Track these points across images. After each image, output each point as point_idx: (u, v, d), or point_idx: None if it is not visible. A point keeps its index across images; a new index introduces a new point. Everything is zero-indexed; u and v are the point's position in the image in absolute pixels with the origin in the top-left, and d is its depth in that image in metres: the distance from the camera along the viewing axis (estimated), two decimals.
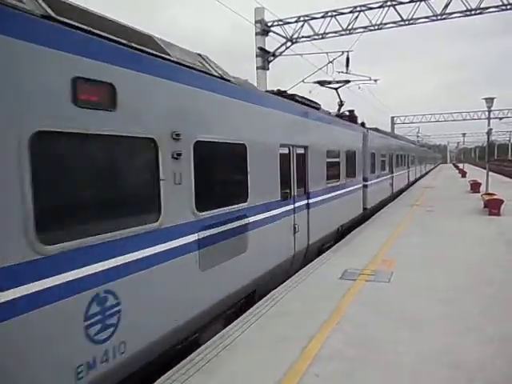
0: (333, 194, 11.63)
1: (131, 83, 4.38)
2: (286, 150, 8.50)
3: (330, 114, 13.69)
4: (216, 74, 6.20)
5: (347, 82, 16.44)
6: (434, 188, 30.65)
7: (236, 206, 6.43)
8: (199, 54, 6.38)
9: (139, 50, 4.60)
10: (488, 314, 6.36)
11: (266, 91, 9.49)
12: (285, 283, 8.08)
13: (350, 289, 7.65)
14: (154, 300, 4.70)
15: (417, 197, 24.09)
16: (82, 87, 3.76)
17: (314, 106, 11.14)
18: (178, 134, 4.99)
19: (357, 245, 11.45)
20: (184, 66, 5.40)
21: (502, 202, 16.26)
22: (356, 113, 16.97)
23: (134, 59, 4.46)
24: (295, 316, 6.44)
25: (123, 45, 4.37)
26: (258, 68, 21.67)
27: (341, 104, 16.66)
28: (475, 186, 25.91)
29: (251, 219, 6.87)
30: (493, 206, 16.15)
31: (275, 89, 10.36)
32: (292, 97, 9.83)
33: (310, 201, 9.81)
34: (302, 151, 9.39)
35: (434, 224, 14.53)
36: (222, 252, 6.06)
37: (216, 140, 5.92)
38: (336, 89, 16.48)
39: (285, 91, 10.11)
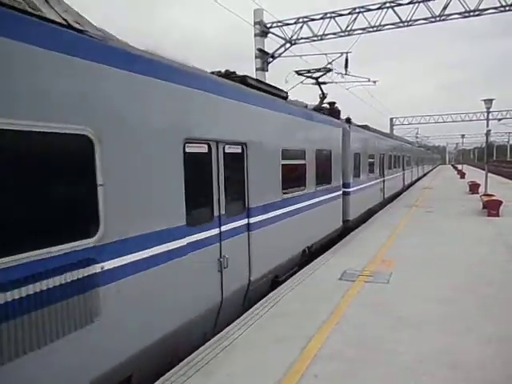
0: (294, 206, 9.05)
1: None
2: (201, 149, 5.84)
3: (306, 106, 11.96)
4: (50, 18, 3.76)
5: (329, 70, 15.10)
6: (433, 189, 30.70)
7: (64, 246, 3.64)
8: None
9: None
10: (487, 314, 6.36)
11: (212, 72, 7.16)
12: (284, 284, 8.07)
13: (349, 290, 7.64)
14: None
15: (416, 197, 24.12)
16: None
17: (276, 93, 8.87)
18: None
19: (356, 245, 11.45)
20: None
21: (500, 202, 16.27)
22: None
23: None
24: (294, 317, 6.43)
25: None
26: (257, 69, 21.68)
27: (323, 97, 14.72)
28: (474, 187, 25.95)
29: (108, 265, 4.10)
30: (492, 207, 16.16)
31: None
32: (242, 79, 7.74)
33: (253, 220, 7.15)
34: (237, 150, 6.77)
35: (433, 225, 14.54)
36: (18, 341, 3.24)
37: None
38: (316, 79, 14.46)
39: (233, 72, 7.98)
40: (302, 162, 9.77)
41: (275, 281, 8.46)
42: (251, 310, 6.76)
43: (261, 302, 7.12)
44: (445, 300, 6.98)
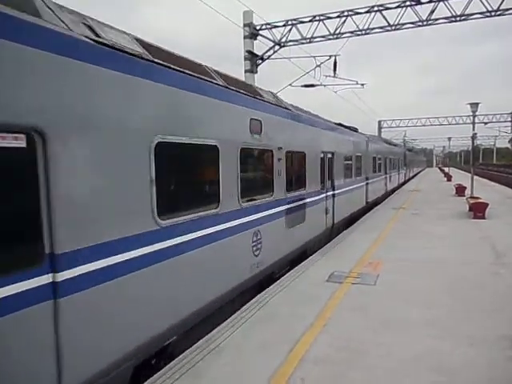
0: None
1: None
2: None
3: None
4: None
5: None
6: (420, 191, 30.97)
7: None
8: None
9: None
10: (472, 317, 6.43)
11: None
12: (271, 287, 8.07)
13: (337, 291, 7.67)
14: None
15: (403, 200, 24.30)
16: None
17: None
18: None
19: (343, 248, 11.49)
20: None
21: (486, 205, 16.47)
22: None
23: None
24: (281, 319, 6.43)
25: None
26: (246, 71, 21.66)
27: None
28: (460, 190, 26.28)
29: None
30: (478, 210, 16.36)
31: None
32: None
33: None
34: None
35: (420, 227, 14.65)
36: None
37: None
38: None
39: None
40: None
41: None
42: (238, 312, 6.75)
43: (247, 304, 7.10)
44: (431, 302, 7.04)
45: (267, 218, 8.16)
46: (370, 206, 20.23)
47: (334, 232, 13.60)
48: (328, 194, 12.80)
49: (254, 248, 7.61)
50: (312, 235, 11.30)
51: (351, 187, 16.08)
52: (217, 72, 7.07)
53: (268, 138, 8.13)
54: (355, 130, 18.57)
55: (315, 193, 11.47)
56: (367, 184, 19.56)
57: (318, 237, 11.90)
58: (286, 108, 9.71)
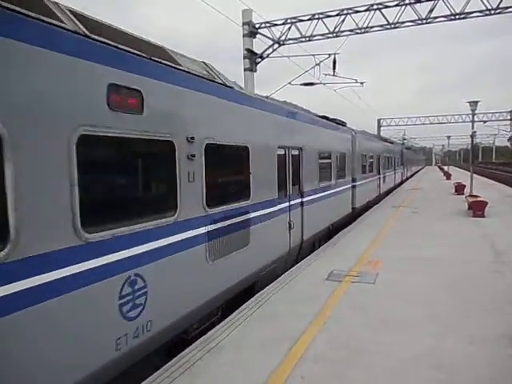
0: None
1: None
2: None
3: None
4: None
5: None
6: (420, 190, 30.96)
7: None
8: None
9: None
10: (472, 315, 6.42)
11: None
12: (270, 285, 8.06)
13: (336, 290, 7.66)
14: None
15: (402, 198, 24.31)
16: None
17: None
18: None
19: (343, 246, 11.49)
20: None
21: (486, 203, 16.46)
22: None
23: None
24: (281, 318, 6.42)
25: None
26: (245, 70, 21.62)
27: None
28: (459, 188, 26.29)
29: None
30: (477, 208, 16.35)
31: None
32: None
33: None
34: None
35: (419, 225, 14.65)
36: None
37: None
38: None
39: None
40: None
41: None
42: (237, 311, 6.74)
43: (247, 303, 7.10)
44: (430, 301, 7.03)
45: (162, 251, 5.15)
46: (358, 212, 17.61)
47: (304, 250, 10.83)
48: (293, 202, 9.81)
49: (127, 306, 4.54)
50: (263, 262, 8.19)
51: (330, 192, 13.02)
52: (73, 12, 4.48)
53: (161, 121, 5.13)
54: (342, 123, 16.35)
55: (269, 203, 8.39)
56: (354, 187, 16.86)
57: (275, 262, 8.81)
58: (223, 84, 6.94)
